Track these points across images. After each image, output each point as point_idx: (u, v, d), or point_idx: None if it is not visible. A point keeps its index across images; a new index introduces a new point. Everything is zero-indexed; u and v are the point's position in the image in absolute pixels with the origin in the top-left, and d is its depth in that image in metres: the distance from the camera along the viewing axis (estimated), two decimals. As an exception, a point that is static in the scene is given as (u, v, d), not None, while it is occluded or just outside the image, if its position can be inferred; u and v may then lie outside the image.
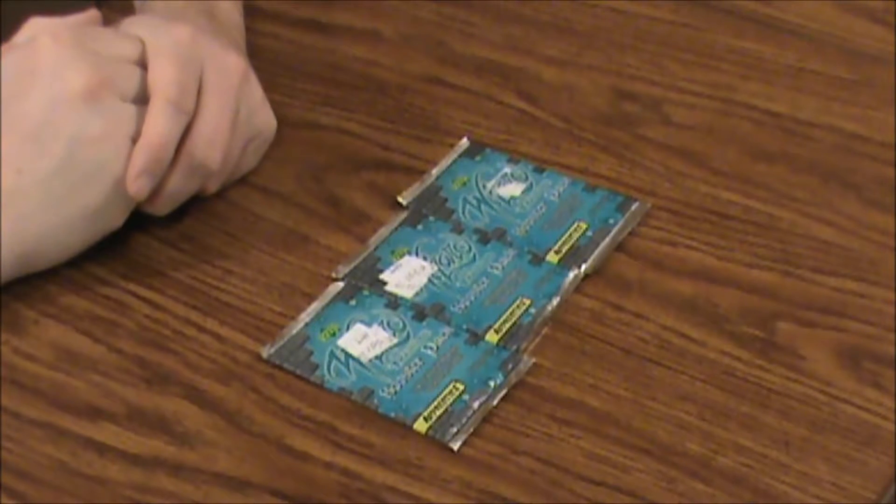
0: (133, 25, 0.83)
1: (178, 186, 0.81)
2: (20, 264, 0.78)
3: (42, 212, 0.77)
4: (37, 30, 0.79)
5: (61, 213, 0.78)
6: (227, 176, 0.85)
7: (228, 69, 0.82)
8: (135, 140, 0.78)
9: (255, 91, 0.85)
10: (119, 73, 0.79)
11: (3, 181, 0.76)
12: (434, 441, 0.73)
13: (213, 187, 0.84)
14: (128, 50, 0.80)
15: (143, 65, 0.80)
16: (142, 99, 0.79)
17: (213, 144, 0.81)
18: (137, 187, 0.79)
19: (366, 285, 0.81)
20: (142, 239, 0.84)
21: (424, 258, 0.82)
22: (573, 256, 0.82)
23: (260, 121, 0.86)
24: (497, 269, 0.81)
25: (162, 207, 0.82)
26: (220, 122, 0.81)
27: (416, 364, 0.76)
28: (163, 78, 0.80)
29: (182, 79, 0.80)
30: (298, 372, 0.76)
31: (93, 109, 0.77)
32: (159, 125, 0.79)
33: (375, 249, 0.83)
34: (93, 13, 0.82)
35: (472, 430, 0.74)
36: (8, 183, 0.76)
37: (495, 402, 0.75)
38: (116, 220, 0.80)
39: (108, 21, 0.84)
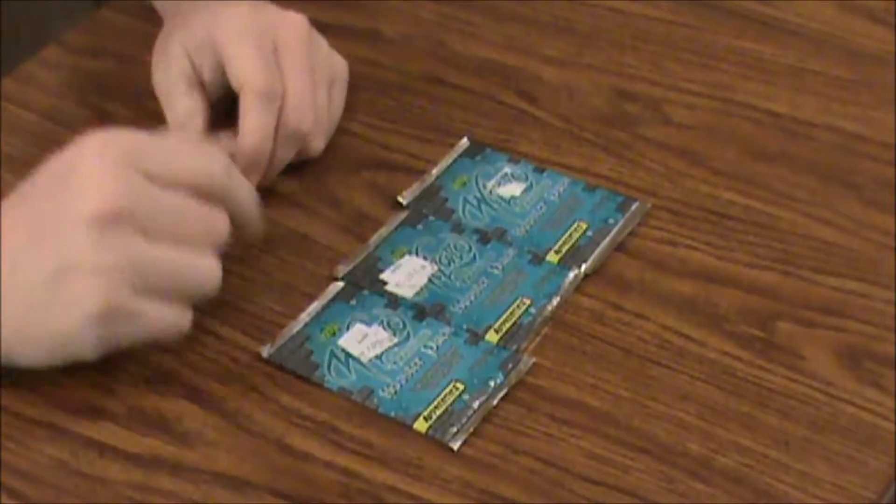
0: (194, 14, 0.84)
1: (280, 158, 0.84)
2: None
3: (15, 319, 0.71)
4: (96, 138, 0.72)
5: (31, 329, 0.71)
6: (328, 130, 0.87)
7: (296, 27, 0.84)
8: (128, 276, 0.71)
9: (319, 38, 0.87)
10: (145, 205, 0.71)
11: None
12: (434, 441, 0.73)
13: (318, 146, 0.86)
14: (184, 173, 0.73)
15: (195, 190, 0.73)
16: (160, 236, 0.71)
17: (301, 109, 0.83)
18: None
19: (366, 285, 0.81)
20: (142, 239, 0.84)
21: (424, 258, 0.82)
22: (573, 256, 0.82)
23: (333, 64, 0.88)
24: (497, 269, 0.81)
25: (268, 180, 0.84)
26: (303, 85, 0.83)
27: (416, 364, 0.76)
28: (247, 68, 0.81)
29: (263, 63, 0.81)
30: (298, 372, 0.76)
31: (95, 237, 0.70)
32: (256, 122, 0.81)
33: (375, 249, 0.83)
34: (186, 134, 0.79)
35: (472, 429, 0.74)
36: (6, 271, 0.71)
37: (495, 402, 0.75)
38: (87, 352, 0.72)
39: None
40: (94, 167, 0.71)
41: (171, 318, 0.72)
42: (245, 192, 0.76)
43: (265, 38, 0.83)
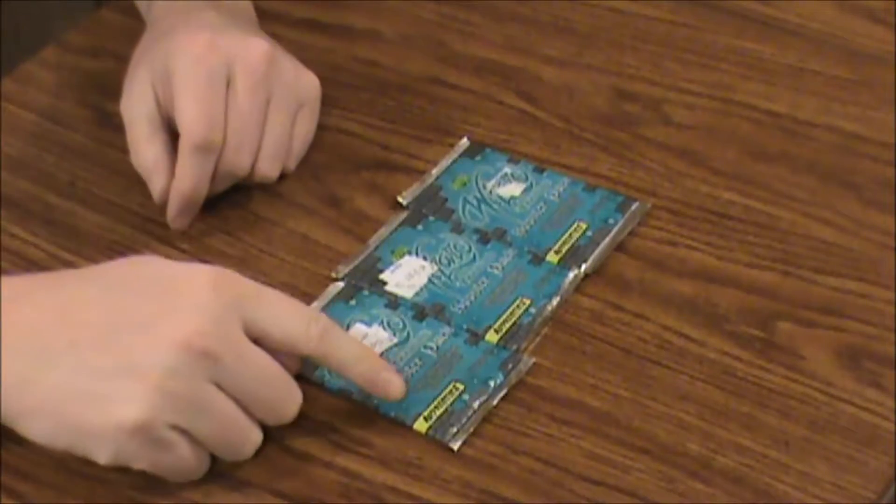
0: (160, 37, 0.83)
1: (217, 188, 0.84)
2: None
3: (51, 392, 0.68)
4: (213, 272, 0.71)
5: (60, 407, 0.68)
6: (286, 157, 0.85)
7: (253, 59, 0.83)
8: (180, 409, 0.69)
9: (286, 65, 0.85)
10: (232, 357, 0.69)
11: (54, 340, 0.69)
12: (434, 441, 0.73)
13: (270, 174, 0.85)
14: (277, 333, 0.71)
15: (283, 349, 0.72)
16: (230, 389, 0.69)
17: (240, 153, 0.83)
18: (178, 225, 0.83)
19: (366, 285, 0.81)
20: (141, 239, 0.84)
21: (424, 258, 0.82)
22: (573, 256, 0.82)
23: (300, 88, 0.86)
24: (497, 269, 0.81)
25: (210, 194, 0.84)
26: (245, 127, 0.82)
27: (416, 364, 0.76)
28: (188, 117, 0.81)
29: (206, 110, 0.81)
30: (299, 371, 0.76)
31: (175, 361, 0.67)
32: (189, 171, 0.81)
33: (375, 249, 0.83)
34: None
35: (472, 430, 0.74)
36: (58, 346, 0.69)
37: (495, 402, 0.75)
38: (100, 455, 0.69)
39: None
40: (203, 299, 0.69)
41: (192, 463, 0.70)
42: (342, 352, 0.72)
43: (218, 73, 0.82)
